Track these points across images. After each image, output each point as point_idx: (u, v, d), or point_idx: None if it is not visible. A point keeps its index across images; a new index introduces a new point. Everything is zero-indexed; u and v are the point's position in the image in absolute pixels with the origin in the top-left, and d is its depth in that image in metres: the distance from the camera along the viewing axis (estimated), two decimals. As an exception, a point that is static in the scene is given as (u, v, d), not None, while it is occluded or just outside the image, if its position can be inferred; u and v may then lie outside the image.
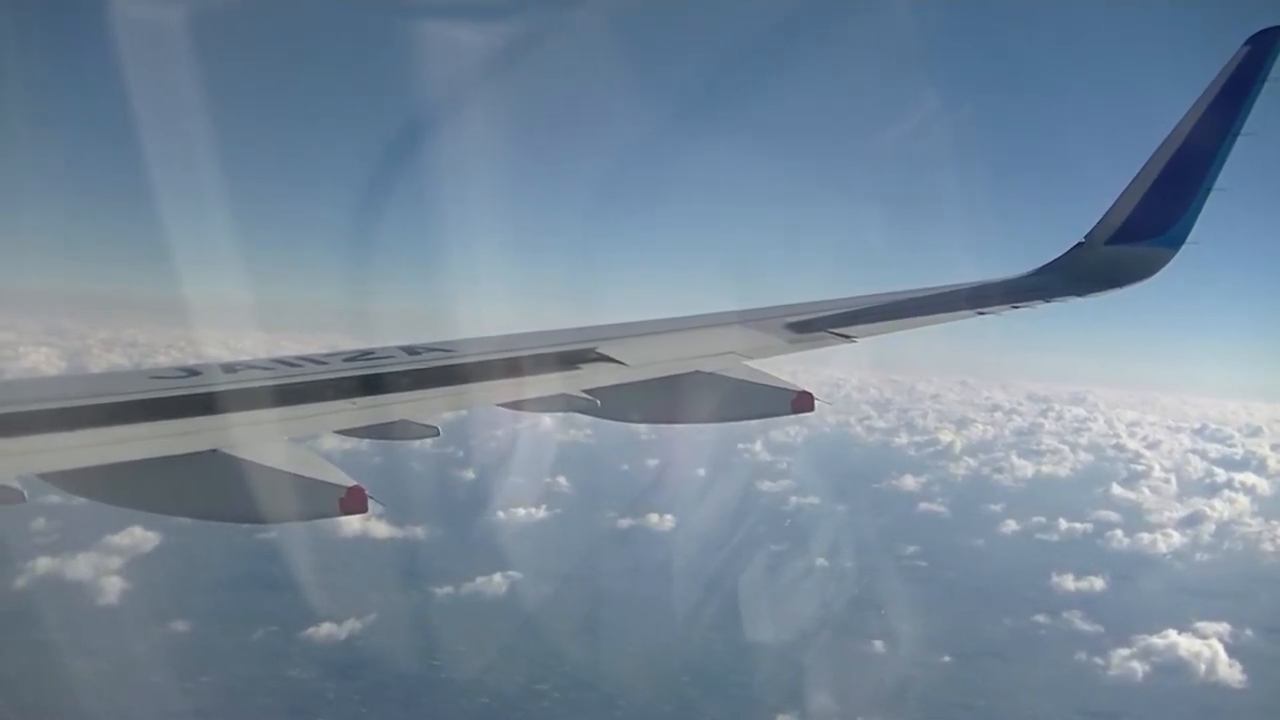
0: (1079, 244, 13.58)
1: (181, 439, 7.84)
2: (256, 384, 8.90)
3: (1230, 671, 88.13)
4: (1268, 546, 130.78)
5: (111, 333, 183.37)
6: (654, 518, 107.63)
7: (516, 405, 9.72)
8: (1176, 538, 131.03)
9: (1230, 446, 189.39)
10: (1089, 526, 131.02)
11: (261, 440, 8.01)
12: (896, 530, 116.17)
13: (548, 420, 11.14)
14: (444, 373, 9.58)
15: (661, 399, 10.20)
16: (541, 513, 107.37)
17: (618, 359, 10.32)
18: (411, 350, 9.99)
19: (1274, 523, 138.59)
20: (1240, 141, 12.60)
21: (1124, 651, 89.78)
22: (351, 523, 76.99)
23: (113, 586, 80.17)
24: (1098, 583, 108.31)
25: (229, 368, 9.24)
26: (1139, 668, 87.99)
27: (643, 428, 12.61)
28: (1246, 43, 12.57)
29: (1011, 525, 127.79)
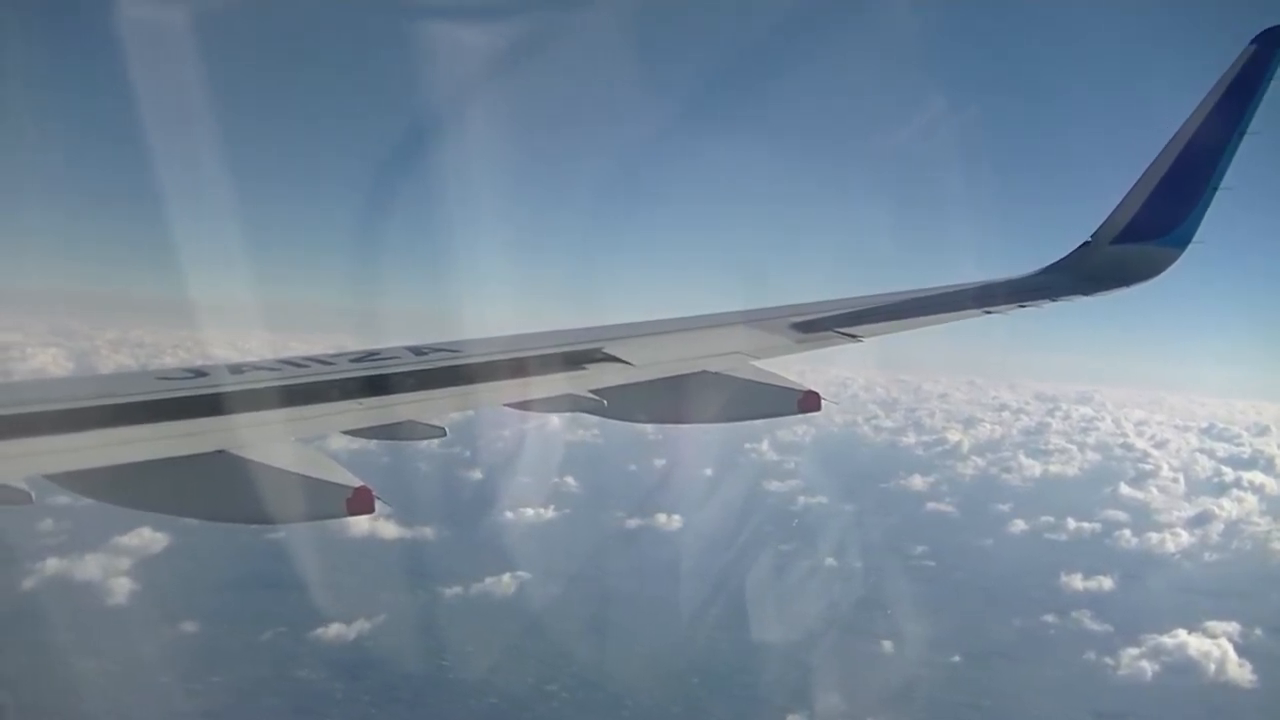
0: (1085, 243, 13.56)
1: (188, 440, 7.85)
2: (263, 385, 8.90)
3: (1240, 671, 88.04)
4: (1277, 545, 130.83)
5: (118, 333, 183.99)
6: (662, 518, 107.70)
7: (523, 405, 9.71)
8: (1185, 537, 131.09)
9: (1238, 445, 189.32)
10: (1097, 526, 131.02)
11: (268, 441, 8.01)
12: (904, 530, 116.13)
13: (555, 420, 11.11)
14: (450, 373, 9.58)
15: (668, 399, 10.18)
16: (549, 513, 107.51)
17: (624, 359, 10.31)
18: (418, 350, 9.99)
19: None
20: (1246, 140, 12.58)
21: (1133, 651, 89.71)
22: (360, 523, 77.12)
23: (121, 587, 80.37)
24: (1106, 582, 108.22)
25: (236, 368, 9.24)
26: (1148, 667, 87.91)
27: (650, 428, 12.62)
28: (1252, 42, 12.54)
29: (1020, 525, 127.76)
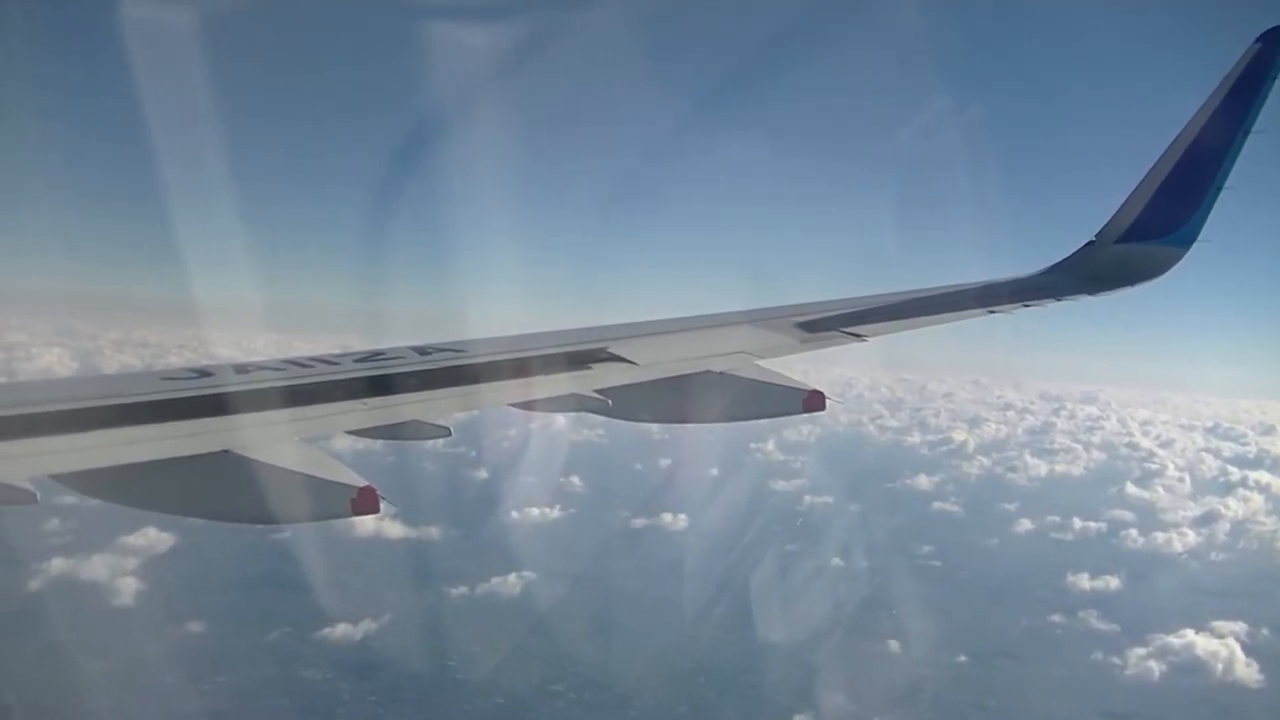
0: (1090, 243, 13.56)
1: (193, 440, 7.86)
2: (268, 385, 8.91)
3: (1247, 671, 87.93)
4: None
5: (123, 334, 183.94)
6: (667, 517, 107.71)
7: (528, 405, 9.73)
8: (1191, 537, 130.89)
9: (1244, 445, 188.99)
10: (1103, 525, 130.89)
11: (273, 441, 8.03)
12: (910, 529, 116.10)
13: (560, 420, 11.13)
14: (455, 373, 9.59)
15: (672, 399, 10.20)
16: (555, 513, 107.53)
17: (629, 359, 10.33)
18: (422, 350, 10.01)
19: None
20: (1251, 140, 12.57)
21: (1140, 651, 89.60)
22: (365, 523, 77.14)
23: (128, 587, 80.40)
24: (1113, 582, 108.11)
25: (240, 368, 9.26)
26: (1156, 667, 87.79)
27: (655, 427, 12.63)
28: (1256, 41, 12.53)
29: (1026, 524, 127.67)
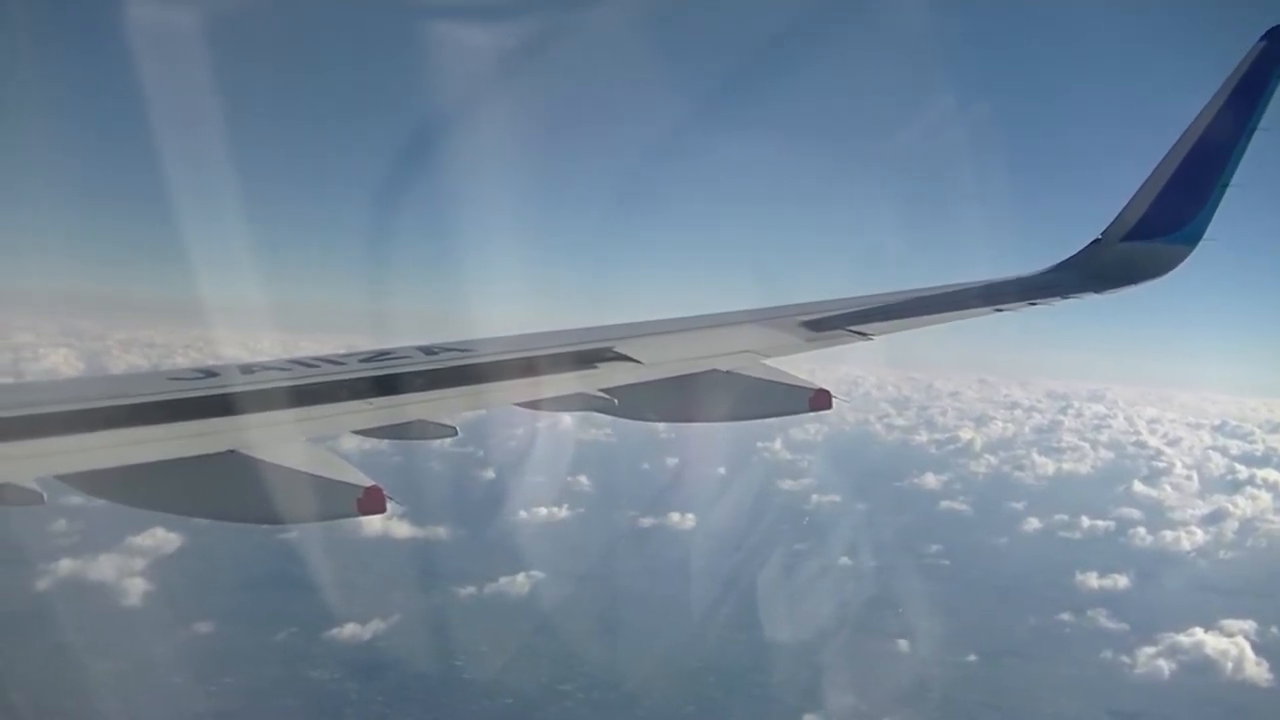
0: (1095, 241, 13.53)
1: (199, 440, 7.87)
2: (274, 385, 8.92)
3: (1257, 670, 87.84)
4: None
5: (129, 334, 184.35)
6: (675, 516, 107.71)
7: (534, 405, 9.74)
8: (1200, 535, 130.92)
9: (1251, 443, 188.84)
10: (1111, 524, 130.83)
11: (279, 441, 8.03)
12: (918, 528, 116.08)
13: (567, 419, 11.16)
14: (461, 372, 9.59)
15: (679, 398, 10.20)
16: (563, 512, 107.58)
17: (634, 358, 10.32)
18: (428, 350, 10.01)
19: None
20: (1256, 138, 12.55)
21: (1150, 650, 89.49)
22: (373, 523, 77.17)
23: (135, 588, 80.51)
24: (1122, 580, 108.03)
25: (246, 369, 9.26)
26: (1165, 666, 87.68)
27: (662, 426, 12.61)
28: (1261, 39, 12.51)
29: (1034, 523, 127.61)
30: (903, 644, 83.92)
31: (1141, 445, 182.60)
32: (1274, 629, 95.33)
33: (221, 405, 8.37)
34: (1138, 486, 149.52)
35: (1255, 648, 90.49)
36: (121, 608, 77.40)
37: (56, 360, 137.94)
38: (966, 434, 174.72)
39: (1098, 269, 13.38)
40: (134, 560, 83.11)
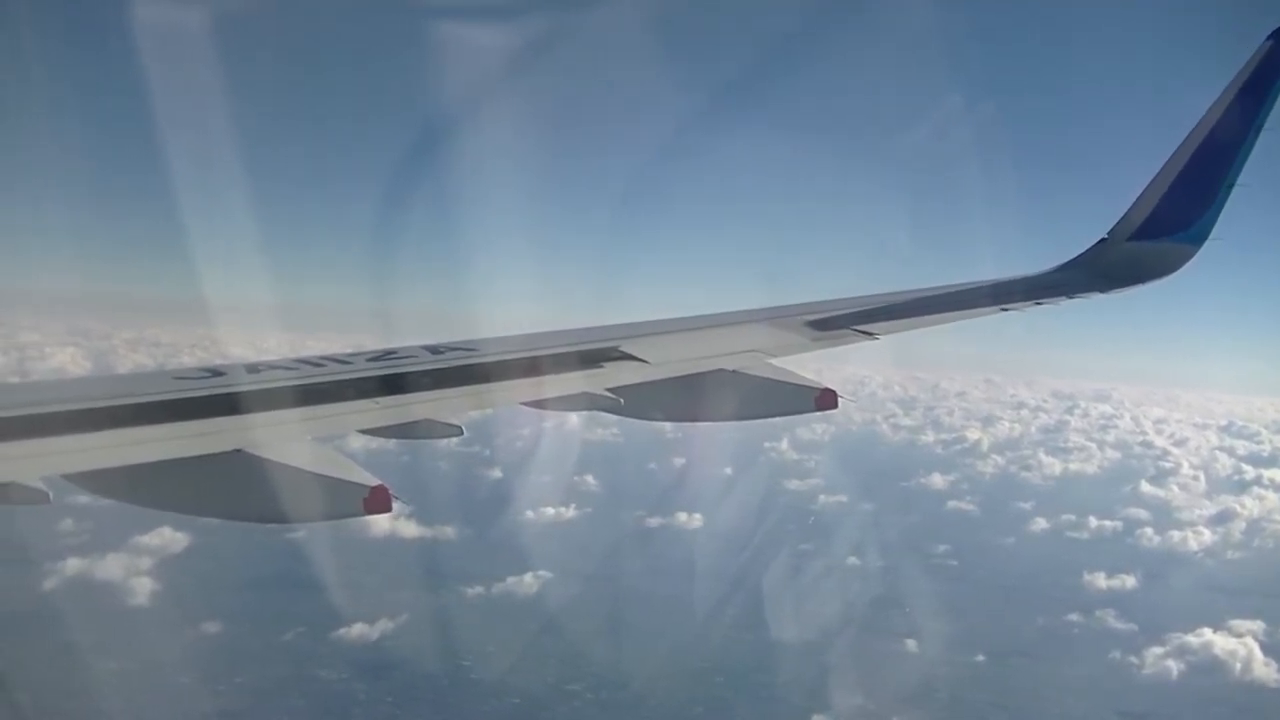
0: (1102, 240, 13.51)
1: (205, 439, 7.89)
2: (280, 384, 8.93)
3: (1266, 670, 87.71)
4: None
5: (136, 333, 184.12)
6: (682, 516, 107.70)
7: (540, 404, 9.76)
8: (1207, 535, 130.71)
9: (1258, 443, 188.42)
10: (1119, 524, 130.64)
11: (285, 440, 8.05)
12: (926, 529, 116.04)
13: (574, 419, 11.15)
14: (467, 372, 9.61)
15: (684, 397, 10.22)
16: (570, 512, 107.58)
17: (640, 357, 10.34)
18: (435, 349, 10.02)
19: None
20: (1262, 137, 12.54)
21: (1158, 650, 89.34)
22: (381, 522, 77.19)
23: (143, 587, 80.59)
24: (1129, 580, 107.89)
25: (252, 368, 9.28)
26: (1174, 666, 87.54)
27: (669, 426, 12.62)
28: (1268, 38, 12.49)
29: (1041, 523, 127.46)
30: (910, 644, 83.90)
31: (1148, 445, 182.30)
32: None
33: (228, 405, 8.39)
34: (1145, 487, 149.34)
35: (1264, 648, 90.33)
36: (128, 607, 77.49)
37: (63, 359, 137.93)
38: (973, 434, 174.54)
39: (1104, 268, 13.36)
40: (141, 560, 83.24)
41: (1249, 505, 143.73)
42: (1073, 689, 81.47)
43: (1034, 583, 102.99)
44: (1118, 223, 13.40)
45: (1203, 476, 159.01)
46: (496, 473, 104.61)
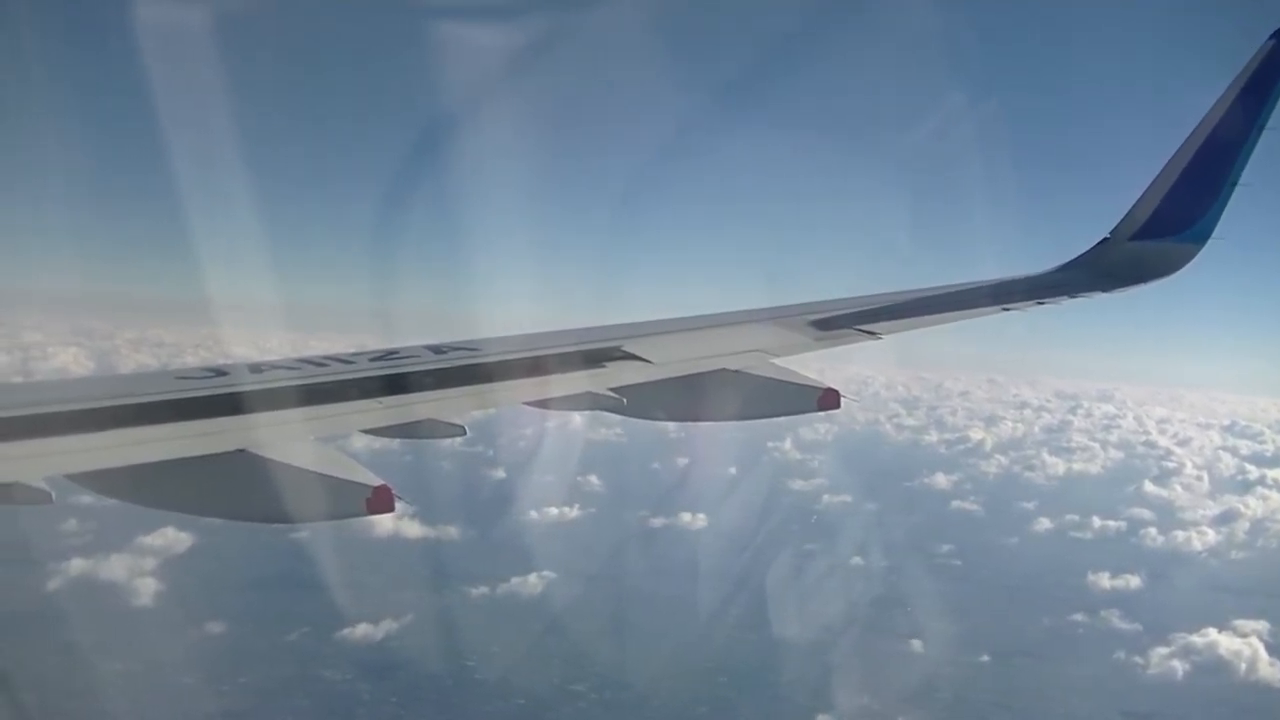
0: (1104, 240, 13.52)
1: (208, 439, 7.90)
2: (283, 384, 8.94)
3: (1272, 670, 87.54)
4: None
5: (139, 333, 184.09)
6: (686, 516, 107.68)
7: (543, 404, 9.77)
8: (1211, 535, 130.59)
9: (1261, 443, 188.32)
10: (1123, 524, 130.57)
11: (288, 440, 8.06)
12: (929, 528, 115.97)
13: (577, 418, 11.19)
14: (470, 372, 9.62)
15: (687, 397, 10.23)
16: (574, 512, 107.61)
17: (643, 357, 10.35)
18: (437, 349, 10.03)
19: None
20: (1265, 136, 12.56)
21: (1163, 650, 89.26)
22: (385, 523, 77.28)
23: (147, 588, 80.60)
24: (1134, 580, 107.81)
25: (255, 368, 9.29)
26: (1179, 666, 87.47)
27: (672, 426, 12.62)
28: (1271, 37, 12.49)
29: (1045, 523, 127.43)
30: (915, 644, 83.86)
31: (1151, 445, 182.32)
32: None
33: (231, 404, 8.41)
34: (1148, 486, 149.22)
35: (1269, 648, 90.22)
36: (133, 607, 77.53)
37: (66, 359, 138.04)
38: (976, 434, 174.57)
39: (1106, 268, 13.37)
40: (145, 560, 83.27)
41: (1252, 505, 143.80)
42: (1078, 689, 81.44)
43: (1038, 583, 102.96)
44: (1120, 222, 13.42)
45: (1206, 476, 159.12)
46: (500, 473, 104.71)
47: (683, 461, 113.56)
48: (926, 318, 12.26)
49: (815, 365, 10.79)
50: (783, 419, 11.11)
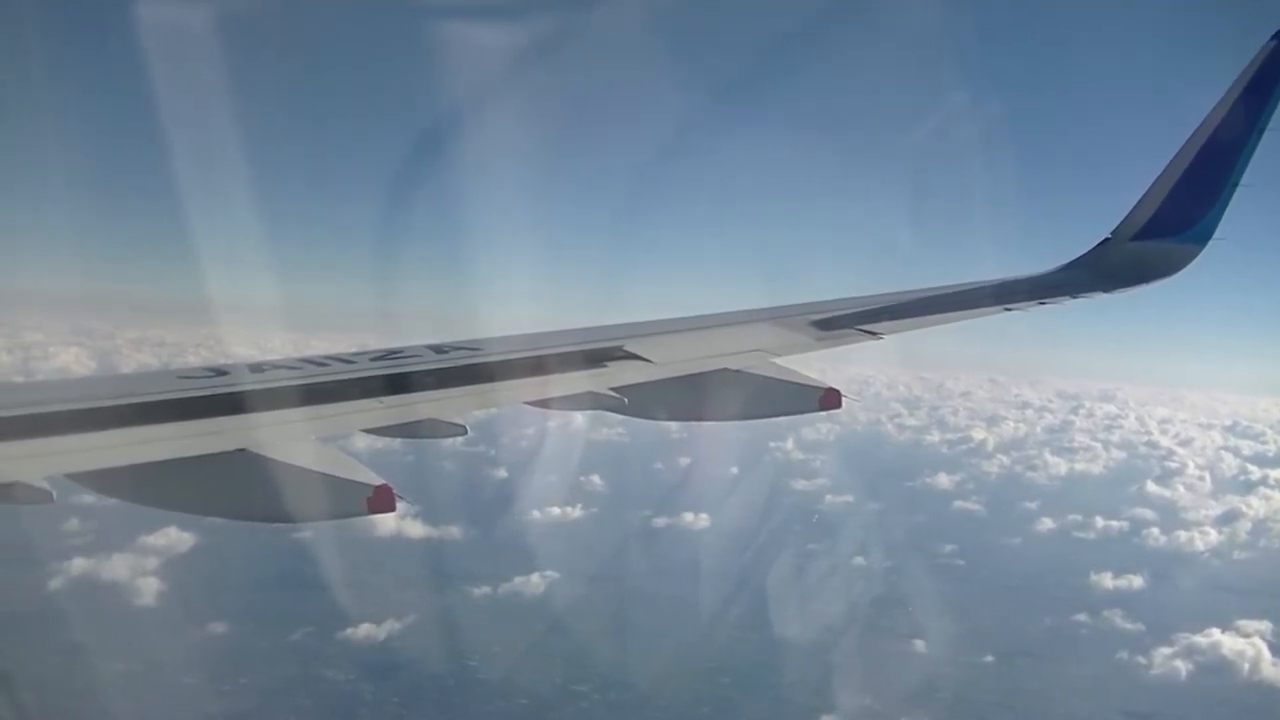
0: (1105, 240, 13.56)
1: (209, 439, 7.91)
2: (284, 383, 8.96)
3: (1275, 671, 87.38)
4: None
5: (140, 333, 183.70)
6: (689, 516, 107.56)
7: (544, 403, 9.78)
8: (1214, 535, 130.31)
9: (1263, 443, 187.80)
10: (1125, 524, 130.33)
11: (289, 440, 8.08)
12: (932, 529, 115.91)
13: (579, 418, 11.22)
14: (471, 371, 9.64)
15: (688, 397, 10.26)
16: (577, 512, 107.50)
17: (644, 357, 10.37)
18: (439, 349, 10.05)
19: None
20: (1266, 137, 12.58)
21: (1166, 650, 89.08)
22: (387, 522, 77.28)
23: (149, 587, 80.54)
24: (1136, 580, 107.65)
25: (256, 367, 9.31)
26: (1182, 667, 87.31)
27: (675, 425, 12.66)
28: (1272, 38, 12.51)
29: (1047, 523, 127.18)
30: (917, 644, 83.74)
31: (1153, 445, 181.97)
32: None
33: (232, 404, 8.42)
34: (1151, 487, 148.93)
35: (1272, 648, 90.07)
36: (134, 607, 77.48)
37: (67, 359, 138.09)
38: (979, 434, 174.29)
39: (1107, 268, 13.40)
40: (147, 560, 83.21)
41: (1255, 505, 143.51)
42: (1080, 689, 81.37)
43: (1041, 583, 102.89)
44: (1121, 222, 13.45)
45: (1208, 476, 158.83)
46: (501, 472, 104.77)
47: (685, 461, 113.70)
48: (928, 318, 12.28)
49: (817, 365, 10.82)
50: (784, 419, 11.11)
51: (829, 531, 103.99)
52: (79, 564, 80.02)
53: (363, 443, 9.20)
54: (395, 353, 9.96)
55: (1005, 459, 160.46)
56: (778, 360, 10.61)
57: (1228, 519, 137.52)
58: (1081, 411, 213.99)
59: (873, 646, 79.27)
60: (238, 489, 7.82)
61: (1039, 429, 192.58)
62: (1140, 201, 13.28)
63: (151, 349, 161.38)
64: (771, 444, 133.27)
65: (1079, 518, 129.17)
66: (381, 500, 7.56)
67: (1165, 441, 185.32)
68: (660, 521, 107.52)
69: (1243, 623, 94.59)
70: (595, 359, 10.30)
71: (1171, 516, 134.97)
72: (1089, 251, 13.64)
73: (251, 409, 8.36)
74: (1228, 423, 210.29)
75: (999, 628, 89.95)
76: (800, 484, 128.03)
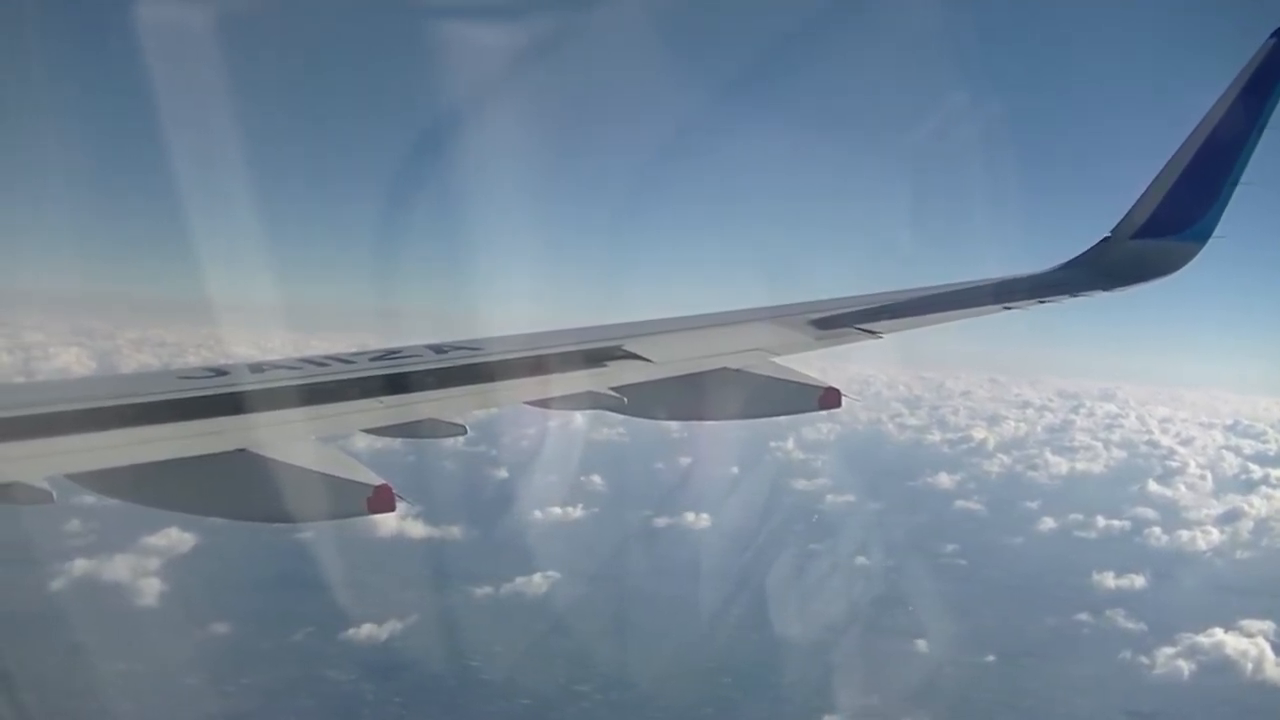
0: (1105, 239, 13.54)
1: (209, 439, 7.92)
2: (284, 384, 8.96)
3: (1278, 670, 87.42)
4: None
5: (140, 333, 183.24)
6: (690, 516, 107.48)
7: (544, 403, 9.79)
8: (1216, 534, 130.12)
9: (1264, 443, 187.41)
10: (1127, 524, 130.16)
11: (289, 440, 8.08)
12: (933, 528, 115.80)
13: (579, 418, 11.23)
14: (471, 371, 9.64)
15: (688, 396, 10.27)
16: (578, 512, 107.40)
17: (644, 356, 10.37)
18: (439, 349, 10.05)
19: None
20: (1266, 136, 12.58)
21: (1168, 650, 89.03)
22: (388, 522, 77.31)
23: (150, 588, 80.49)
24: (1139, 580, 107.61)
25: (256, 368, 9.31)
26: (1185, 666, 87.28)
27: (675, 425, 12.67)
28: (1272, 36, 12.51)
29: (1049, 523, 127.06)
30: (919, 644, 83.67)
31: (1154, 444, 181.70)
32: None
33: (232, 404, 8.42)
34: (1152, 486, 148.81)
35: (1275, 648, 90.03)
36: (136, 608, 77.44)
37: (68, 359, 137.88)
38: (979, 433, 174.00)
39: (1107, 267, 13.39)
40: (149, 560, 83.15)
41: (1256, 504, 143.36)
42: (1082, 689, 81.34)
43: (1042, 582, 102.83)
44: (1121, 221, 13.44)
45: (1210, 476, 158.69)
46: (502, 472, 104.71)
47: (685, 461, 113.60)
48: (928, 317, 12.29)
49: (816, 364, 10.83)
50: (785, 418, 11.11)
51: (830, 531, 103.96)
52: (80, 565, 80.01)
53: (363, 443, 9.21)
54: (395, 353, 9.96)
55: (1006, 458, 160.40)
56: (777, 360, 10.61)
57: (1229, 518, 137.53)
58: (1082, 411, 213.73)
59: (874, 646, 79.20)
60: (238, 489, 7.83)
61: (1040, 428, 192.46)
62: (1140, 200, 13.27)
63: (152, 349, 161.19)
64: (772, 444, 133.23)
65: (1080, 517, 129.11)
66: (382, 500, 7.57)
67: (1166, 441, 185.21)
68: (661, 521, 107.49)
69: (1246, 622, 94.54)
70: (595, 359, 10.30)
71: (1173, 516, 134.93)
72: (1089, 250, 13.63)
73: (252, 409, 8.37)
74: (1229, 422, 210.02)
75: (1001, 627, 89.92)
76: (801, 483, 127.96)
